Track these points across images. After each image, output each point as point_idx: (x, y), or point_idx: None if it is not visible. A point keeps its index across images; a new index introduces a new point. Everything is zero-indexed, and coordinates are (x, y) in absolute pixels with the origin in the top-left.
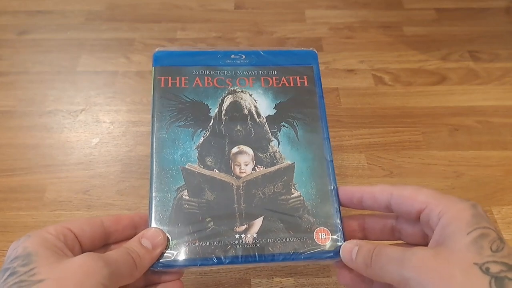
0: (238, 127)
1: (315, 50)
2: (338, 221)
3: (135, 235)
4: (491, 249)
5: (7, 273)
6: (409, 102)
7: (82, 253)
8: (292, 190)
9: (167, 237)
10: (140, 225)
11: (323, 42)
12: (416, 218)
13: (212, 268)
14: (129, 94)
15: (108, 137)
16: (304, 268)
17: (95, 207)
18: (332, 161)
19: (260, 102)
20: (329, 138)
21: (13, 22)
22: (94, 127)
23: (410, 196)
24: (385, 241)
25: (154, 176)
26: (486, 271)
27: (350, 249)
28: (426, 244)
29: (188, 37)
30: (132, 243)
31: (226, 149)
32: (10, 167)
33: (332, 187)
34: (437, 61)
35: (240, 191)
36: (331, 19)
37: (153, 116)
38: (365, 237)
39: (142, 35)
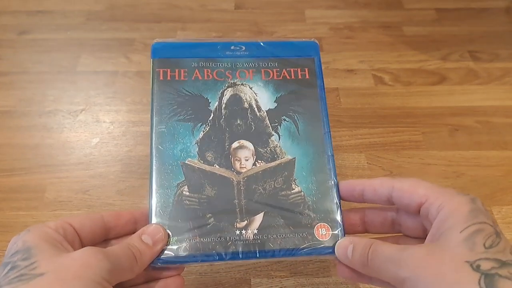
0: (238, 122)
1: (316, 41)
2: (339, 217)
3: (135, 231)
4: (484, 245)
5: (8, 267)
6: (409, 102)
7: (82, 247)
8: (293, 185)
9: (168, 234)
10: (141, 220)
11: (323, 42)
12: (416, 211)
13: (212, 265)
14: (129, 94)
15: (108, 137)
16: (305, 267)
17: (95, 207)
18: (333, 155)
19: (260, 96)
20: (330, 132)
21: (13, 22)
22: (94, 127)
23: (410, 189)
24: (385, 234)
25: (154, 172)
26: (477, 269)
27: (345, 247)
28: (425, 237)
29: (188, 37)
30: (133, 239)
31: (226, 144)
32: (10, 167)
33: (332, 182)
34: (437, 61)
35: (241, 186)
36: (331, 19)
37: (152, 110)
38: (365, 230)
39: (142, 35)
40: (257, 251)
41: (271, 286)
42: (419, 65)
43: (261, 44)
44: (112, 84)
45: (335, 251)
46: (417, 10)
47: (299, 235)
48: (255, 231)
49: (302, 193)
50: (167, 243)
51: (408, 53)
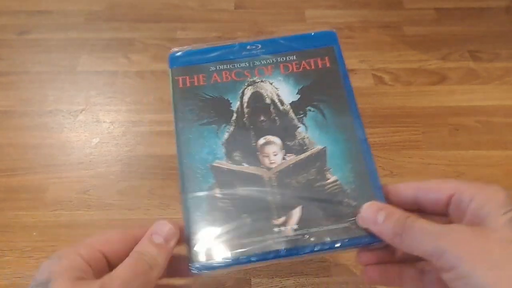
0: (262, 118)
1: (334, 31)
2: (383, 200)
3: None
4: None
5: None
6: (409, 102)
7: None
8: (328, 175)
9: (199, 238)
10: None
11: None
12: (445, 205)
13: (255, 266)
14: (129, 94)
15: (108, 137)
16: (305, 267)
17: (95, 207)
18: (366, 139)
19: (282, 90)
20: (359, 116)
21: (13, 22)
22: (94, 127)
23: (437, 185)
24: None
25: (184, 178)
26: None
27: (375, 210)
28: None
29: (188, 37)
30: (142, 246)
31: (253, 141)
32: (10, 167)
33: (370, 167)
34: (437, 61)
35: (272, 182)
36: (331, 19)
37: (175, 118)
38: None
39: (142, 35)
40: (300, 247)
41: (271, 286)
42: (419, 65)
43: (277, 40)
44: (112, 84)
45: (362, 211)
46: (417, 10)
47: (341, 225)
48: (295, 227)
49: (339, 181)
50: (202, 249)
51: (408, 53)
